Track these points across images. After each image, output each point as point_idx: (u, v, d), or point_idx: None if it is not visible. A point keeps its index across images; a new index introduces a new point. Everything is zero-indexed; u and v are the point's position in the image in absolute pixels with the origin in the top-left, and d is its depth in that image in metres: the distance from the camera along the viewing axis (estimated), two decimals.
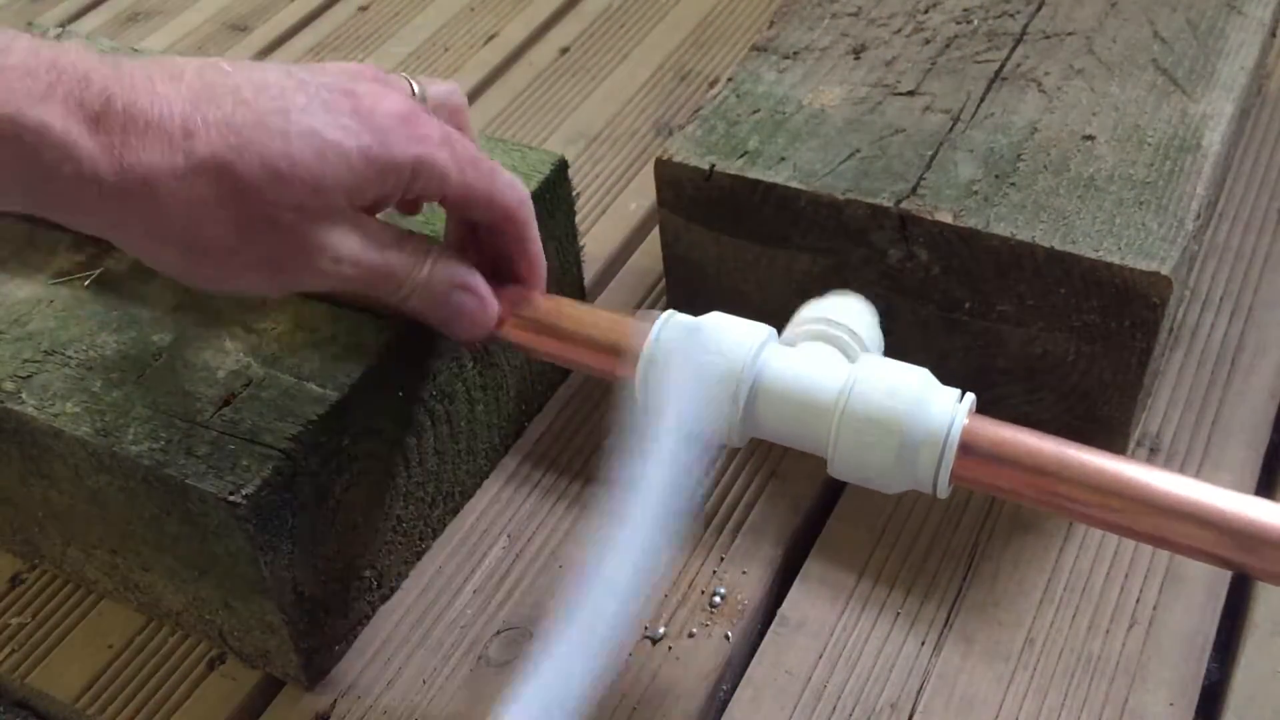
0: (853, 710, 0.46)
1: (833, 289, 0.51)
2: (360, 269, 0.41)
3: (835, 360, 0.44)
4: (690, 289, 0.57)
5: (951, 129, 0.53)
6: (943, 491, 0.40)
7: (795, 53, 0.59)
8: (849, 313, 0.47)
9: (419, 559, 0.53)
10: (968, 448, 0.40)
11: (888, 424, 0.39)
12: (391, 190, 0.41)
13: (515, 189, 0.45)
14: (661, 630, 0.49)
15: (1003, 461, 0.39)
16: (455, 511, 0.55)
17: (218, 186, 0.37)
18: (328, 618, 0.49)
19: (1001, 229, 0.48)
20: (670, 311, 0.45)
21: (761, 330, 0.44)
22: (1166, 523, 0.37)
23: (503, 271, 0.47)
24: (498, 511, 0.55)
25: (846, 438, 0.40)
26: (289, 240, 0.39)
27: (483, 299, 0.45)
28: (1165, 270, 0.46)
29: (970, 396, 0.40)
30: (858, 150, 0.52)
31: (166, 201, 0.37)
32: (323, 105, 0.39)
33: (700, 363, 0.42)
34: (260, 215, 0.38)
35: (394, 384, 0.48)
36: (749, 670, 0.48)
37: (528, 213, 0.46)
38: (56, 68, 0.36)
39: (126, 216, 0.37)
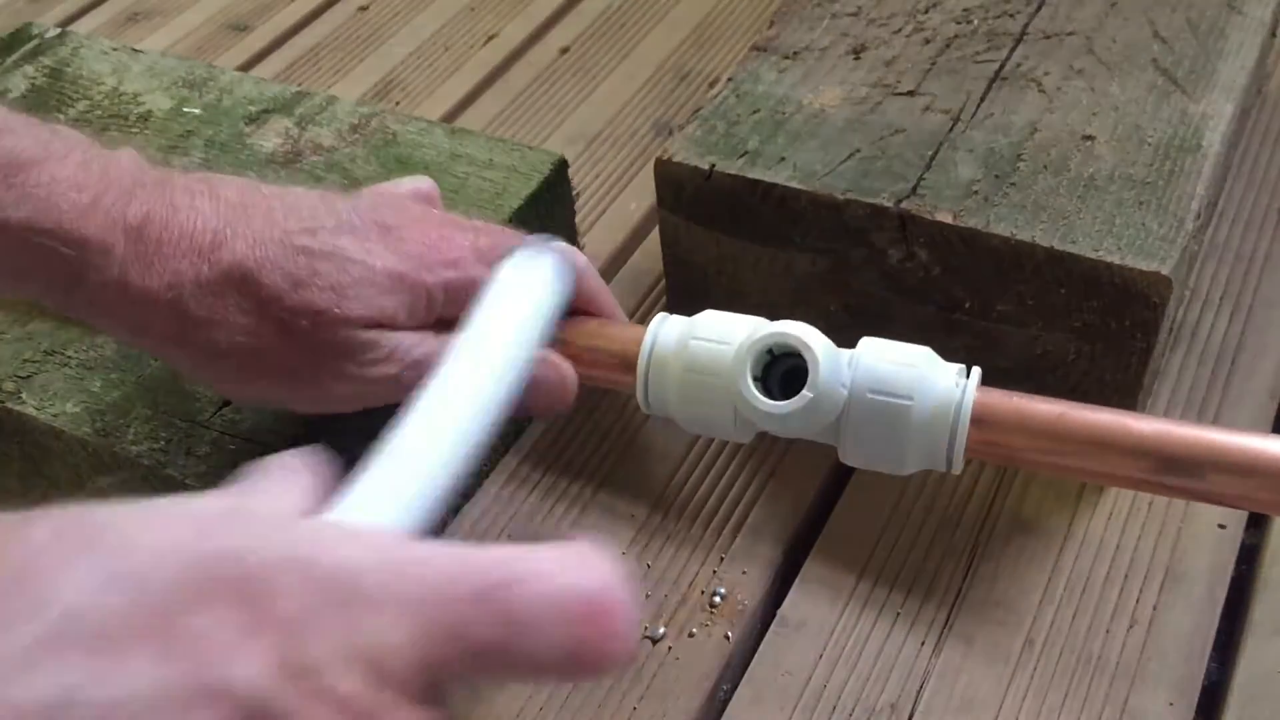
0: (853, 710, 0.46)
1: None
2: (401, 364, 0.40)
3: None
4: (690, 289, 0.57)
5: (951, 129, 0.53)
6: (957, 467, 0.40)
7: (795, 53, 0.59)
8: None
9: None
10: (979, 421, 0.39)
11: (897, 404, 0.39)
12: (425, 314, 0.41)
13: (570, 263, 0.44)
14: (661, 630, 0.49)
15: (1016, 431, 0.39)
16: (455, 511, 0.55)
17: (239, 294, 0.38)
18: None
19: (1001, 229, 0.48)
20: (663, 314, 0.45)
21: (755, 324, 0.43)
22: (1184, 476, 0.38)
23: None
24: (498, 511, 0.55)
25: (855, 422, 0.40)
26: (310, 348, 0.39)
27: (557, 366, 0.44)
28: (1165, 270, 0.46)
29: (977, 370, 0.40)
30: (858, 150, 0.52)
31: (190, 307, 0.38)
32: (351, 229, 0.39)
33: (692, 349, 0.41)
34: (279, 322, 0.38)
35: None
36: (749, 670, 0.48)
37: (595, 283, 0.46)
38: (106, 179, 0.37)
39: (152, 321, 0.38)
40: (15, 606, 0.18)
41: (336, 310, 0.38)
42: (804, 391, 0.38)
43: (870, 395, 0.39)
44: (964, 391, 0.39)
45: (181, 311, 0.38)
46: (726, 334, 0.42)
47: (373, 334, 0.40)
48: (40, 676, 0.17)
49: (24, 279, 0.37)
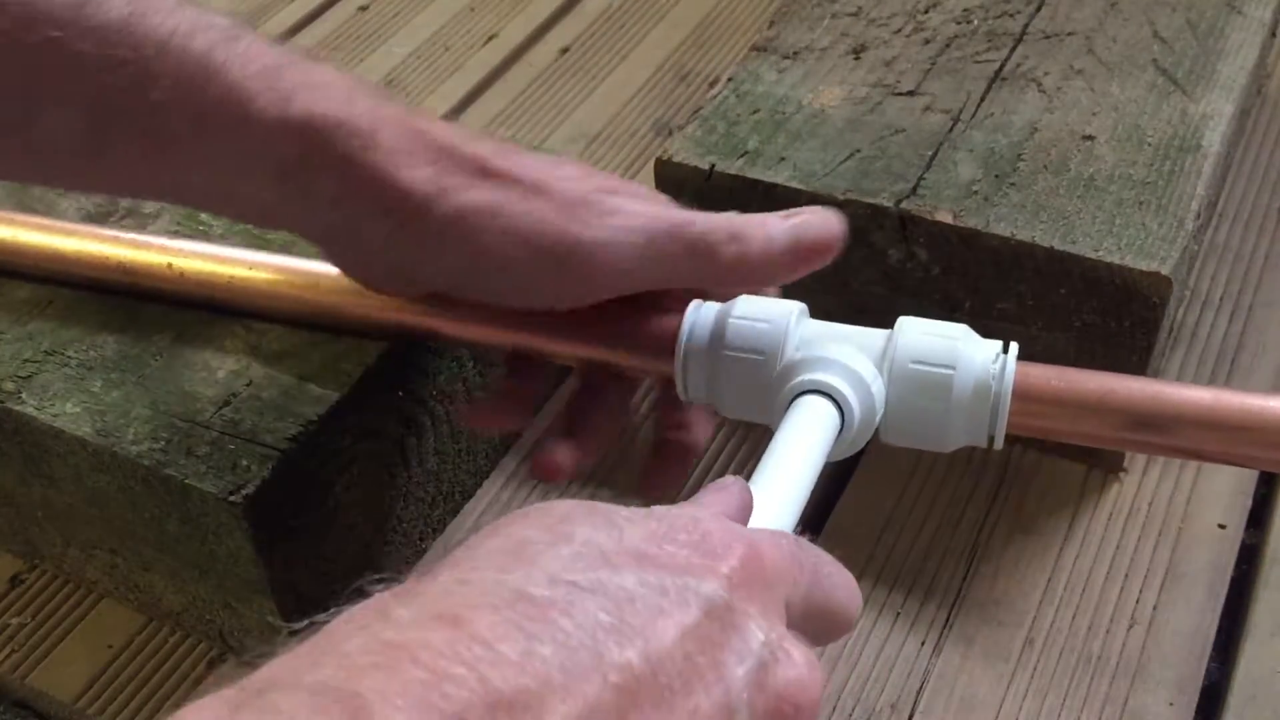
0: (853, 710, 0.46)
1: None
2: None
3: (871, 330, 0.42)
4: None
5: (951, 129, 0.53)
6: (999, 443, 0.40)
7: (795, 53, 0.59)
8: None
9: (419, 559, 0.53)
10: (1020, 394, 0.39)
11: (938, 389, 0.39)
12: None
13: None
14: None
15: (1060, 405, 0.39)
16: (455, 511, 0.55)
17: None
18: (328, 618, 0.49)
19: (1001, 229, 0.48)
20: (697, 300, 0.44)
21: (792, 306, 0.42)
22: (1225, 439, 0.38)
23: None
24: (498, 511, 0.55)
25: (895, 403, 0.39)
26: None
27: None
28: (1165, 270, 0.46)
29: (1014, 346, 0.40)
30: (858, 150, 0.52)
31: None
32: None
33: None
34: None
35: (394, 384, 0.48)
36: None
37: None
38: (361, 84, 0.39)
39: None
40: (546, 552, 0.25)
41: None
42: (842, 435, 0.38)
43: (909, 377, 0.39)
44: (1005, 368, 0.39)
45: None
46: (766, 313, 0.42)
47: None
48: (574, 570, 0.24)
49: (293, 177, 0.37)
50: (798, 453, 0.37)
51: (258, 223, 0.43)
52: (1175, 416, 0.39)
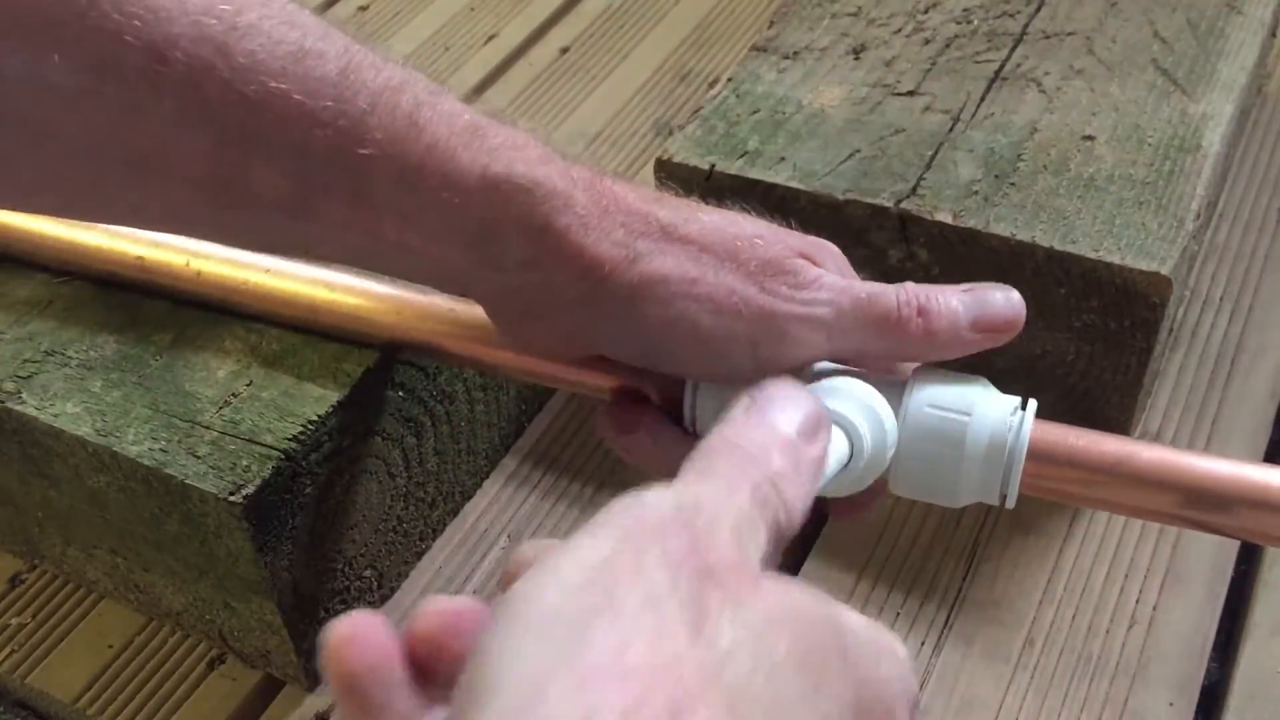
0: None
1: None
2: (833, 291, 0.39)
3: (886, 380, 0.41)
4: None
5: (951, 129, 0.53)
6: (1011, 502, 0.38)
7: (795, 53, 0.59)
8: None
9: (419, 559, 0.53)
10: (1036, 454, 0.38)
11: (952, 436, 0.38)
12: None
13: None
14: None
15: (1074, 466, 0.38)
16: (455, 511, 0.55)
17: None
18: (328, 618, 0.49)
19: (1001, 229, 0.48)
20: None
21: None
22: (1228, 513, 0.37)
23: None
24: (498, 511, 0.55)
25: (907, 450, 0.38)
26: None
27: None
28: (1165, 270, 0.46)
29: (1033, 403, 0.39)
30: (858, 150, 0.52)
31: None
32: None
33: None
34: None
35: (394, 384, 0.48)
36: None
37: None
38: (549, 146, 0.38)
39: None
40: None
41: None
42: (850, 464, 0.38)
43: (923, 431, 0.38)
44: (1021, 427, 0.38)
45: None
46: None
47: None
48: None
49: (487, 240, 0.37)
50: None
51: (439, 286, 0.42)
52: (1198, 486, 0.37)
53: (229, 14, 0.33)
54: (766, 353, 0.39)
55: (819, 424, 0.30)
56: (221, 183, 0.35)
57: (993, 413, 0.38)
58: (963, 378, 0.39)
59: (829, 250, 0.41)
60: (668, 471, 0.27)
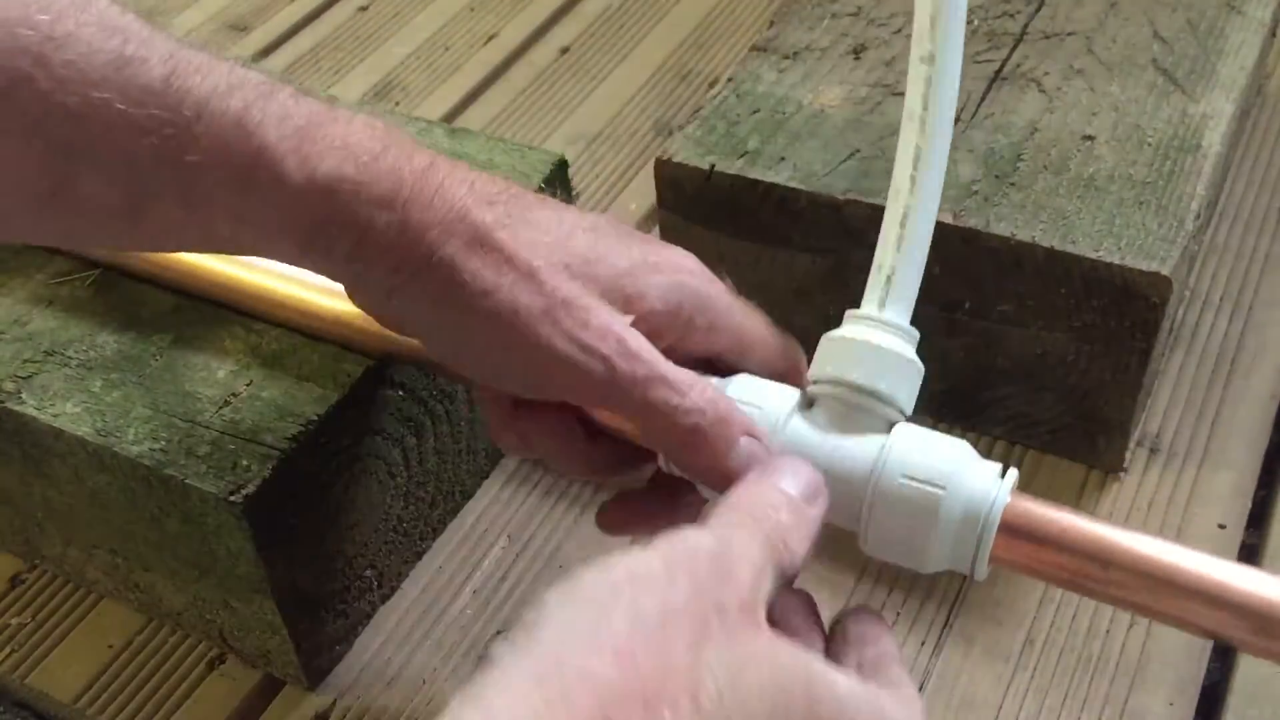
0: None
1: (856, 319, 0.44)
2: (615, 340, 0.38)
3: (869, 428, 0.39)
4: None
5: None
6: (980, 575, 0.37)
7: (795, 53, 0.59)
8: (882, 374, 0.41)
9: (419, 559, 0.53)
10: (1009, 528, 0.36)
11: (924, 503, 0.36)
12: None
13: None
14: None
15: (1046, 545, 0.36)
16: (455, 511, 0.55)
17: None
18: (328, 618, 0.49)
19: (1001, 229, 0.48)
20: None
21: (789, 395, 0.40)
22: (1222, 615, 0.33)
23: None
24: (498, 511, 0.55)
25: (880, 516, 0.37)
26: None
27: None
28: (1165, 270, 0.46)
29: (1013, 473, 0.37)
30: (858, 150, 0.52)
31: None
32: None
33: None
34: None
35: (394, 383, 0.48)
36: None
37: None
38: (390, 136, 0.37)
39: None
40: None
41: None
42: None
43: (895, 496, 0.37)
44: (995, 500, 0.36)
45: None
46: (761, 398, 0.40)
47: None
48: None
49: (315, 238, 0.36)
50: None
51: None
52: (1162, 572, 0.34)
53: (45, 24, 0.32)
54: (536, 384, 0.38)
55: (818, 490, 0.36)
56: (50, 192, 0.35)
57: (969, 494, 0.36)
58: (942, 441, 0.38)
59: (677, 274, 0.41)
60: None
